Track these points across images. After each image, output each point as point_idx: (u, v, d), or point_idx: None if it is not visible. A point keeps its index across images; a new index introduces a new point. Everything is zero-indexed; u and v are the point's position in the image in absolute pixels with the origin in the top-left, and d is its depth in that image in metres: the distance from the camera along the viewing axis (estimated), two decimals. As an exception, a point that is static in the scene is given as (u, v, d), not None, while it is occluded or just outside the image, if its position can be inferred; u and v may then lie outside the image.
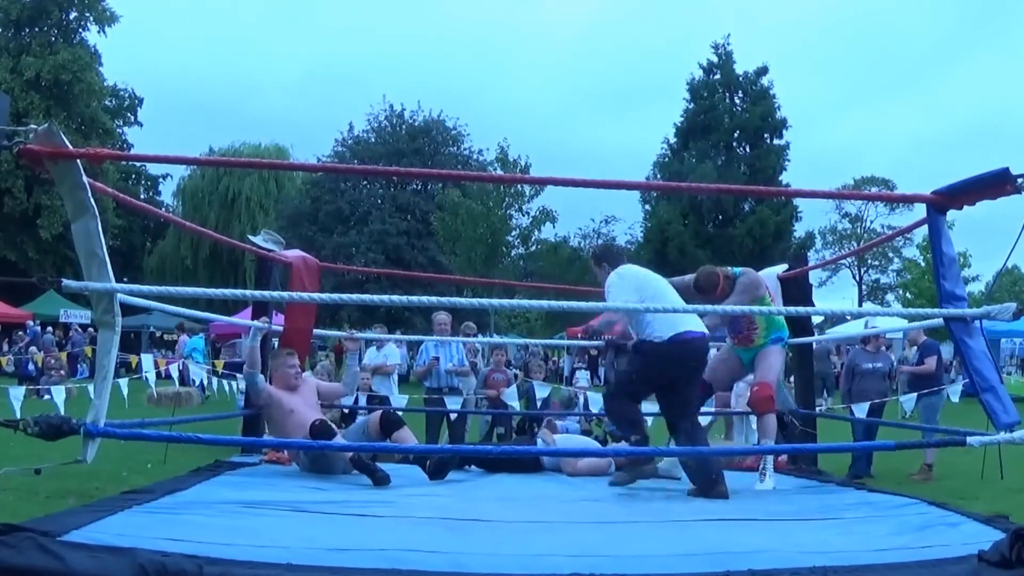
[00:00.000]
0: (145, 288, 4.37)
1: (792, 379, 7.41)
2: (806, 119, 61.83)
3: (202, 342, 16.76)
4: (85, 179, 3.29)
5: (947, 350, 11.19)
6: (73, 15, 31.55)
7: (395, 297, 3.96)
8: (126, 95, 35.30)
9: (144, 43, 63.40)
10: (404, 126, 30.38)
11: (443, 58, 65.60)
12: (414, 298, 3.99)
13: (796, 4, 64.40)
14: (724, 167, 29.42)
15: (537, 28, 68.03)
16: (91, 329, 20.30)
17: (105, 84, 32.72)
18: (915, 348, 8.80)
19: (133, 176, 37.19)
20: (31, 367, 17.17)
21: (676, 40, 61.91)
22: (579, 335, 8.27)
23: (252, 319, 6.17)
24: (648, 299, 4.69)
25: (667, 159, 31.54)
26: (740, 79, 31.44)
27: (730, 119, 31.00)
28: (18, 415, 6.61)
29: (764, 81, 31.40)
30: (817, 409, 9.29)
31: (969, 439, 3.60)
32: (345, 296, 4.28)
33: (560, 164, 52.11)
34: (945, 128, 61.27)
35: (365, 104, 30.77)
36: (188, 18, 68.35)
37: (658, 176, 31.30)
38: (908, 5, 64.71)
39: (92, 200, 3.31)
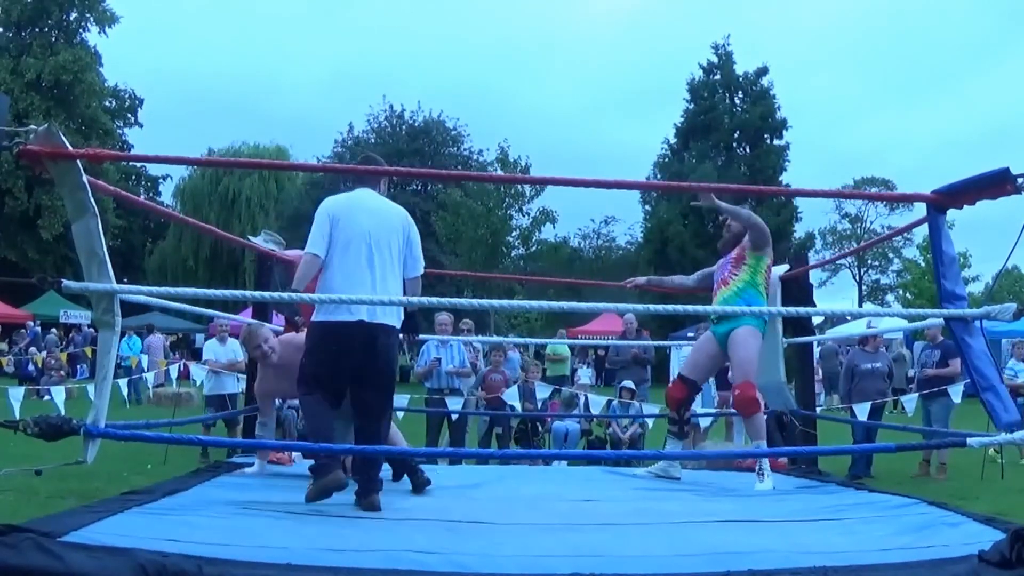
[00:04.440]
0: (145, 288, 4.37)
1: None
2: (826, 120, 61.83)
3: (139, 344, 16.57)
4: (85, 179, 3.30)
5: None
6: (73, 16, 31.58)
7: (395, 297, 3.95)
8: (126, 96, 35.32)
9: (143, 43, 63.52)
10: (404, 126, 30.39)
11: (460, 62, 65.63)
12: (413, 299, 3.99)
13: (820, 5, 64.36)
14: (724, 167, 29.46)
15: (556, 31, 67.93)
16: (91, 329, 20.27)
17: (105, 85, 32.74)
18: (933, 349, 8.73)
19: (133, 177, 37.19)
20: (31, 367, 17.17)
21: (688, 42, 62.11)
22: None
23: (252, 319, 6.18)
24: (328, 259, 3.91)
25: (667, 159, 31.59)
26: (740, 79, 31.49)
27: (730, 119, 31.05)
28: (17, 416, 6.61)
29: (764, 81, 31.47)
30: (824, 407, 9.28)
31: (969, 440, 3.60)
32: (345, 296, 4.28)
33: (562, 165, 52.20)
34: (968, 130, 60.89)
35: (398, 106, 30.61)
36: (185, 18, 68.39)
37: (658, 176, 31.37)
38: (937, 7, 64.66)
39: (92, 200, 3.31)
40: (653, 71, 65.11)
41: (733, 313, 4.89)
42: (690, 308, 4.42)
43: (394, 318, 3.94)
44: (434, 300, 4.15)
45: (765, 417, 5.17)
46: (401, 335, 4.08)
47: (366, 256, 3.89)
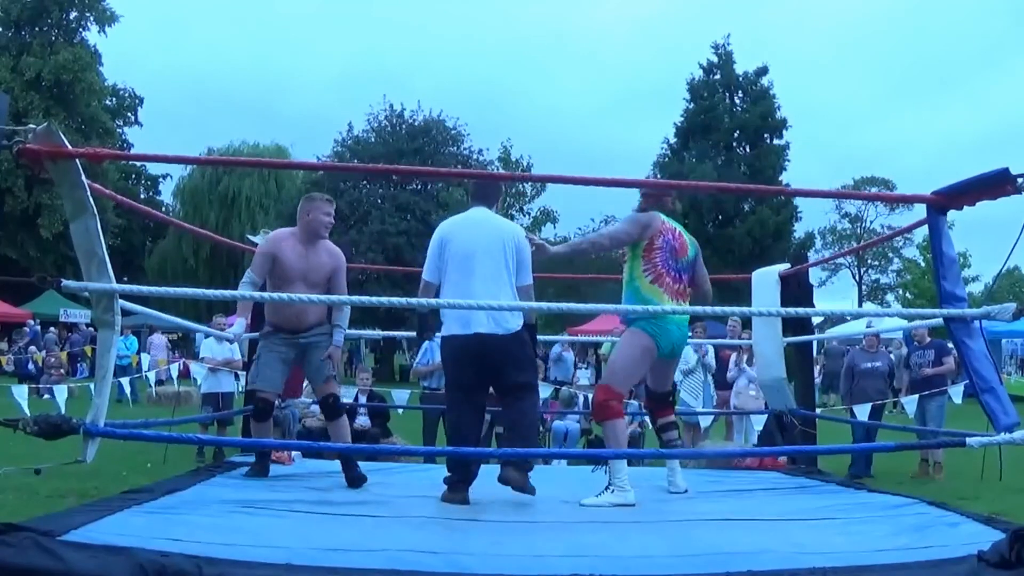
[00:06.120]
0: (145, 288, 4.37)
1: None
2: (831, 120, 61.80)
3: (135, 343, 16.52)
4: (84, 178, 3.30)
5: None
6: (73, 15, 31.54)
7: (395, 299, 3.96)
8: (126, 95, 35.30)
9: (149, 41, 63.53)
10: (404, 126, 30.33)
11: (469, 61, 65.69)
12: (414, 299, 4.00)
13: (825, 5, 64.41)
14: (724, 167, 29.44)
15: (567, 32, 67.94)
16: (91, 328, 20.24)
17: (105, 84, 32.72)
18: (925, 350, 8.77)
19: (133, 176, 37.18)
20: (31, 366, 17.16)
21: (695, 42, 62.07)
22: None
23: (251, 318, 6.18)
24: (444, 277, 4.16)
25: (667, 159, 31.57)
26: (740, 79, 31.47)
27: (730, 119, 31.02)
28: (27, 413, 6.61)
29: (764, 81, 31.46)
30: (824, 406, 9.26)
31: (968, 440, 3.60)
32: (344, 296, 4.29)
33: (567, 164, 52.25)
34: (975, 131, 60.53)
35: (398, 105, 30.55)
36: (192, 16, 68.37)
37: (658, 176, 31.34)
38: (943, 8, 64.64)
39: (91, 199, 3.31)
40: (661, 71, 65.30)
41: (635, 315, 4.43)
42: (689, 308, 4.42)
43: (514, 323, 4.11)
44: (433, 301, 4.15)
45: (624, 428, 4.53)
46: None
47: (476, 270, 4.09)
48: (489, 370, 4.12)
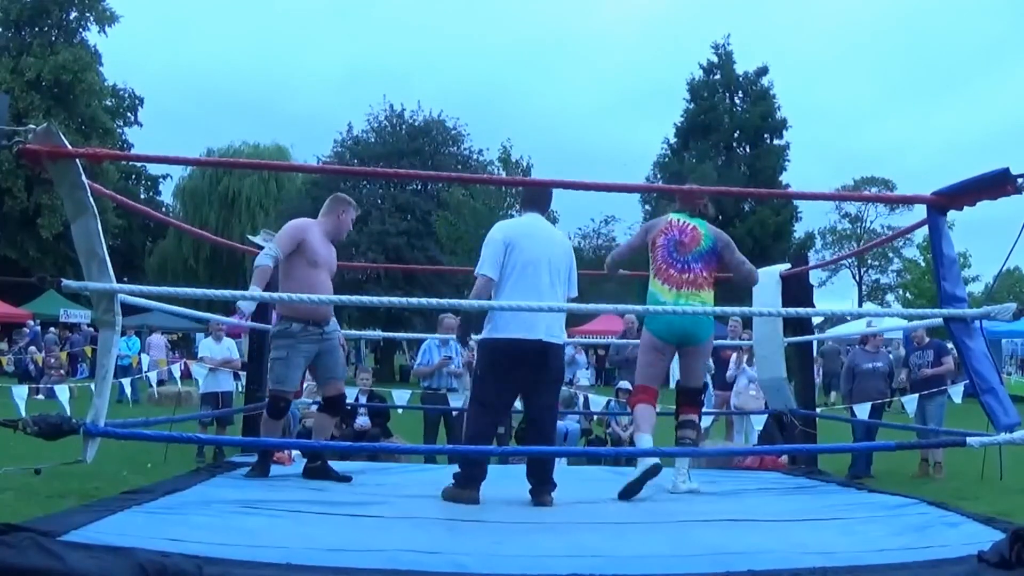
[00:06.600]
0: (145, 288, 4.37)
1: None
2: (834, 120, 61.87)
3: (137, 343, 16.48)
4: (84, 179, 3.30)
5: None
6: (73, 15, 31.55)
7: (395, 299, 3.97)
8: (126, 95, 35.30)
9: (152, 41, 63.67)
10: (404, 126, 30.33)
11: (473, 61, 65.96)
12: (414, 299, 4.00)
13: (829, 5, 64.50)
14: (724, 167, 29.45)
15: (569, 33, 68.19)
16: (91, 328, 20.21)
17: (105, 84, 32.72)
18: (924, 350, 8.77)
19: (133, 176, 37.15)
20: (31, 367, 17.14)
21: (696, 43, 62.23)
22: None
23: (251, 319, 6.18)
24: (503, 281, 4.15)
25: (667, 159, 31.57)
26: (740, 79, 31.48)
27: (730, 119, 31.03)
28: (23, 414, 6.61)
29: (764, 81, 31.47)
30: (825, 406, 9.23)
31: (969, 440, 3.60)
32: (344, 297, 4.30)
33: (568, 164, 52.29)
34: (979, 131, 60.39)
35: (399, 105, 30.52)
36: (195, 16, 68.44)
37: (658, 176, 31.35)
38: (947, 8, 64.72)
39: (91, 199, 3.31)
40: (661, 71, 65.51)
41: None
42: (689, 309, 4.42)
43: (564, 336, 4.28)
44: (433, 301, 4.15)
45: (647, 411, 4.61)
46: None
47: (544, 279, 4.15)
48: (533, 376, 4.16)
